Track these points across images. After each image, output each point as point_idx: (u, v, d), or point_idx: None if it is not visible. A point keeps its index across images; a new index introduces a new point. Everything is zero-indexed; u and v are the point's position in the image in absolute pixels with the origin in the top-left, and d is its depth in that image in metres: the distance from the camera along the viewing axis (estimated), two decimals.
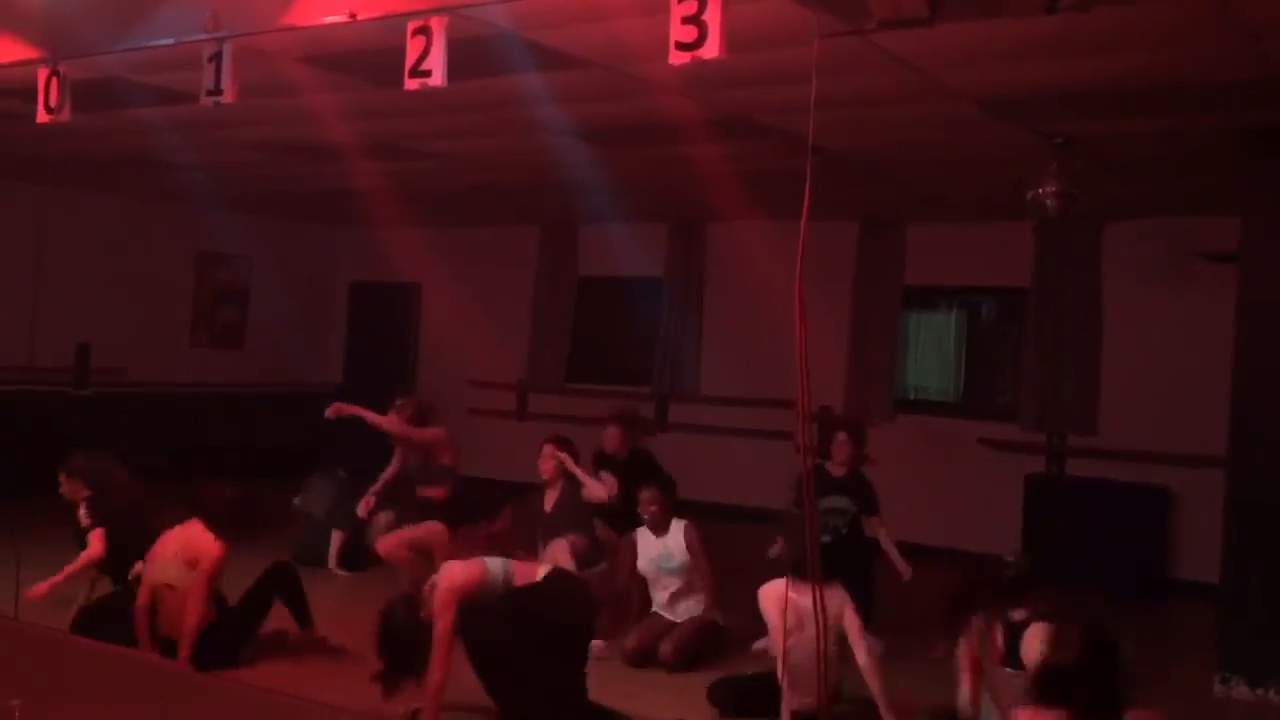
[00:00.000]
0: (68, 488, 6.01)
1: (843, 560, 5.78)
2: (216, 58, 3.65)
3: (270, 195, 9.90)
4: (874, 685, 4.59)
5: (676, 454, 9.78)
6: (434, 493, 6.68)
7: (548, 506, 6.30)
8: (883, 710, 4.55)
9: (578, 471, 6.29)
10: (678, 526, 5.94)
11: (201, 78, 3.66)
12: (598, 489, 6.27)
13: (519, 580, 4.66)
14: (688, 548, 5.89)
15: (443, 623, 4.44)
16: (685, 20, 2.88)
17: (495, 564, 4.68)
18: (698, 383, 10.34)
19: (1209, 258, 7.53)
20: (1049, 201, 6.10)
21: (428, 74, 3.32)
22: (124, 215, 10.29)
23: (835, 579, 4.87)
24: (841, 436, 6.46)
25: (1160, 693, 4.76)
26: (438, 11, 3.48)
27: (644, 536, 6.00)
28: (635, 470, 6.57)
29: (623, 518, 6.40)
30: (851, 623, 4.68)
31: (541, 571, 4.80)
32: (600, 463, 6.76)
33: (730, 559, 7.35)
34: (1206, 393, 8.00)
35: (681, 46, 2.93)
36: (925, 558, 6.62)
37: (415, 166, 7.81)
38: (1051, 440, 8.87)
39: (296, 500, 7.88)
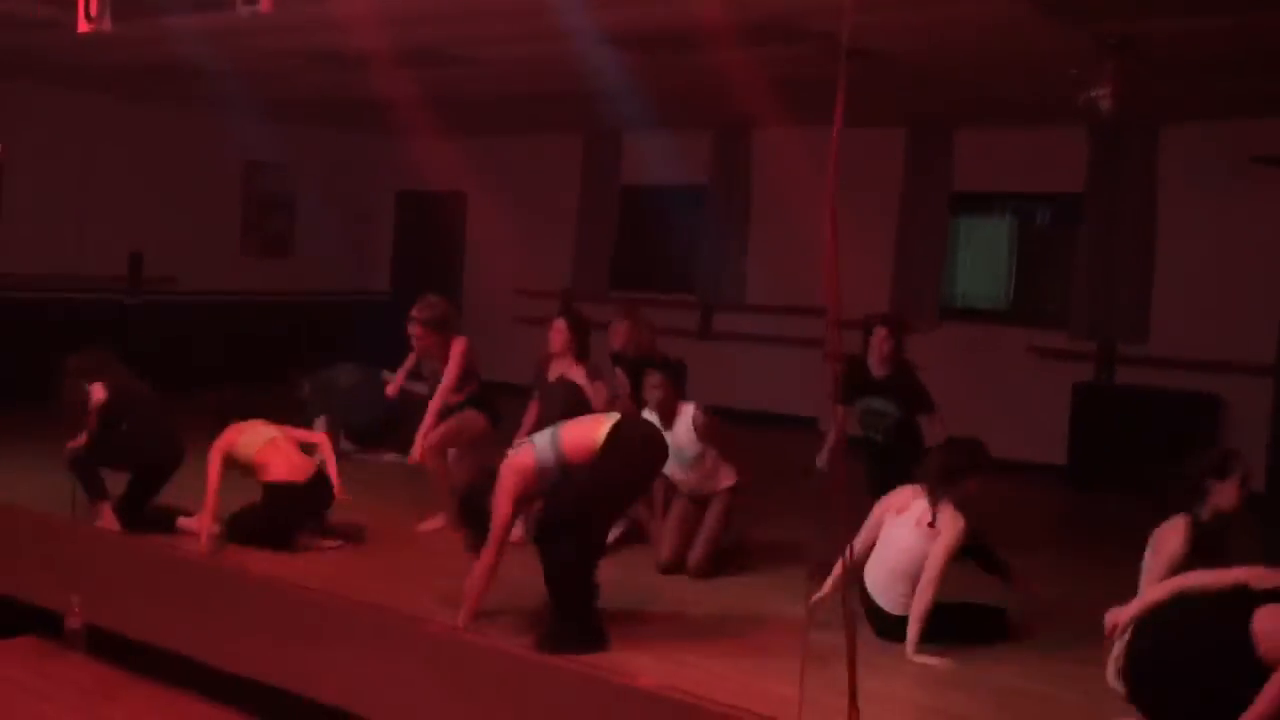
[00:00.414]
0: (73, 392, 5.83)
1: (892, 464, 5.65)
2: None
3: (314, 104, 9.89)
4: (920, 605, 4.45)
5: (720, 363, 9.85)
6: (456, 398, 6.58)
7: (552, 377, 6.10)
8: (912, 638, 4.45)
9: (580, 371, 6.03)
10: (685, 414, 5.48)
11: None
12: (596, 391, 5.97)
13: (574, 442, 4.48)
14: (697, 434, 5.46)
15: (501, 510, 4.40)
16: None
17: (541, 438, 4.56)
18: (743, 291, 10.29)
19: (1266, 161, 7.31)
20: (1103, 104, 5.94)
21: None
22: (171, 126, 10.35)
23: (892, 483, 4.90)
24: (882, 332, 5.98)
25: None
26: None
27: None
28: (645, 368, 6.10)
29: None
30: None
31: (603, 429, 4.51)
32: (614, 361, 6.65)
33: (773, 465, 7.38)
34: (1261, 301, 7.87)
35: None
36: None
37: (457, 74, 7.75)
38: (1102, 348, 8.75)
39: (305, 388, 8.05)
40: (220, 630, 4.76)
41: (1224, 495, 4.25)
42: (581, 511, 4.42)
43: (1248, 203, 8.00)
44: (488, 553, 4.41)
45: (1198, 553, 4.09)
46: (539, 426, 5.36)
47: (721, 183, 10.32)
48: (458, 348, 6.08)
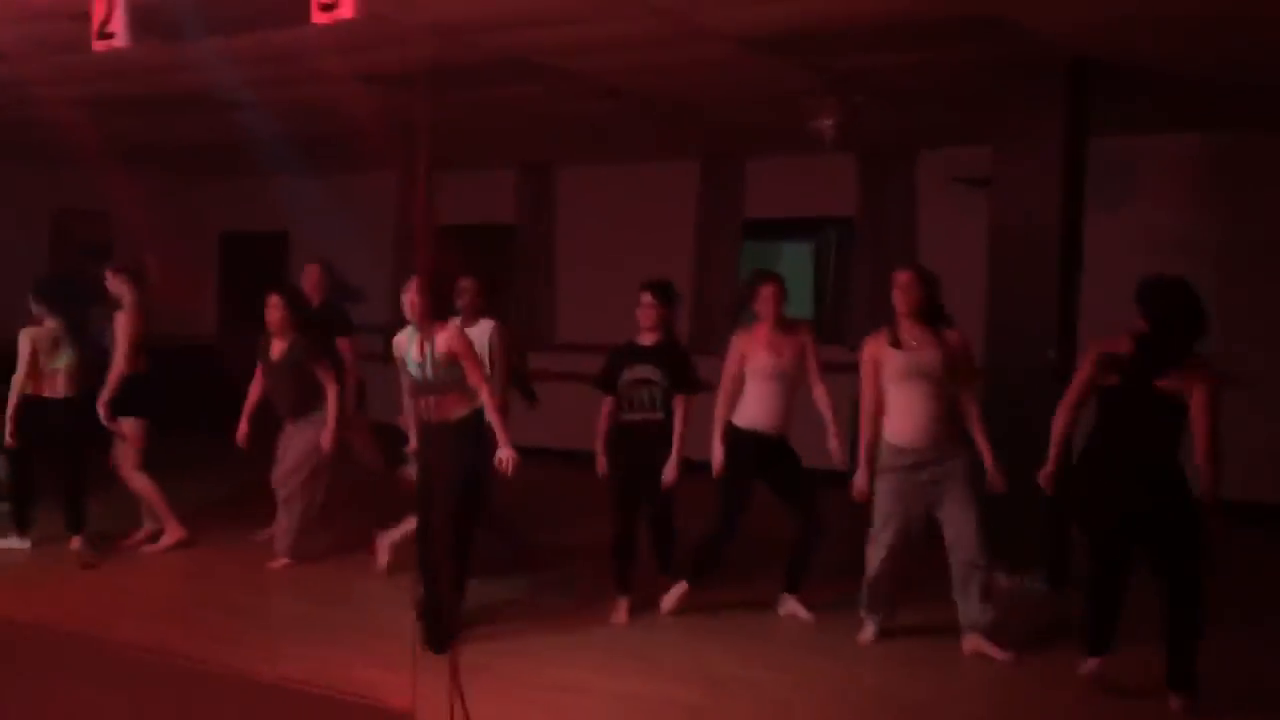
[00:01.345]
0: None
1: (659, 439, 5.44)
2: None
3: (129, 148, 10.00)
4: None
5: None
6: None
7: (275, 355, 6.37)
8: None
9: None
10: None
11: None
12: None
13: None
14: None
15: None
16: None
17: None
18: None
19: (966, 182, 8.04)
20: (826, 133, 6.57)
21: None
22: None
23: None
24: (646, 298, 5.48)
25: None
26: None
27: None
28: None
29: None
30: None
31: None
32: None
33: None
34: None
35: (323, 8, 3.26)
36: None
37: (248, 117, 8.03)
38: None
39: None
40: None
41: None
42: None
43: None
44: None
45: None
46: None
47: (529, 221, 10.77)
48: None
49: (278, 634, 5.23)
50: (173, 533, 6.61)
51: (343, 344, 6.63)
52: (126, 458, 6.51)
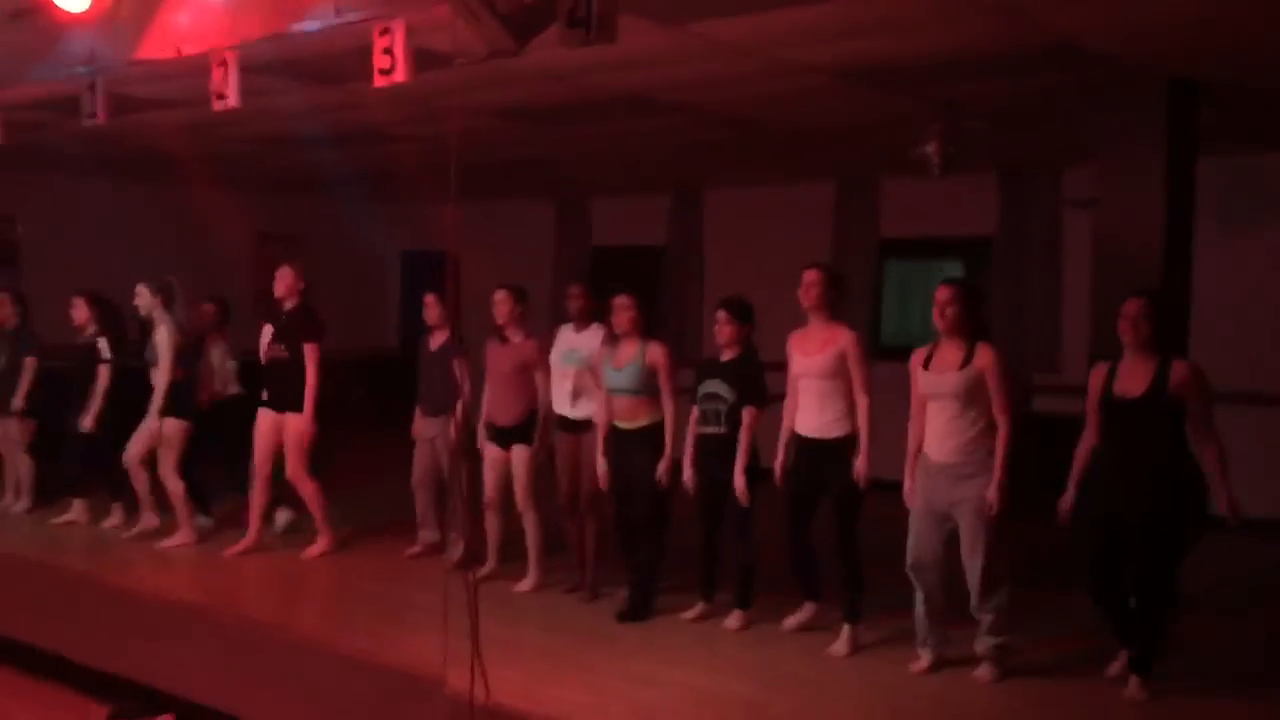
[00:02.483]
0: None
1: (723, 453, 5.56)
2: (92, 88, 4.61)
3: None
4: None
5: None
6: None
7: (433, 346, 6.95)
8: None
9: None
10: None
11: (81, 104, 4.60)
12: None
13: None
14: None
15: None
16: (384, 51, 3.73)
17: None
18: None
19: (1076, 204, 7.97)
20: (933, 159, 6.71)
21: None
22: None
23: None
24: (721, 315, 5.66)
25: None
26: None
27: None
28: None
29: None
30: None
31: None
32: None
33: None
34: None
35: (382, 73, 3.79)
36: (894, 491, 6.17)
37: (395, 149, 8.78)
38: (1018, 378, 9.36)
39: None
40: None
41: None
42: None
43: None
44: None
45: None
46: None
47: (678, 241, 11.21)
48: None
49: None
50: (185, 535, 7.17)
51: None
52: (166, 459, 7.12)
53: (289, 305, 6.88)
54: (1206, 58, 5.58)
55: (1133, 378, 4.68)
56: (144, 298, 7.28)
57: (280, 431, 6.79)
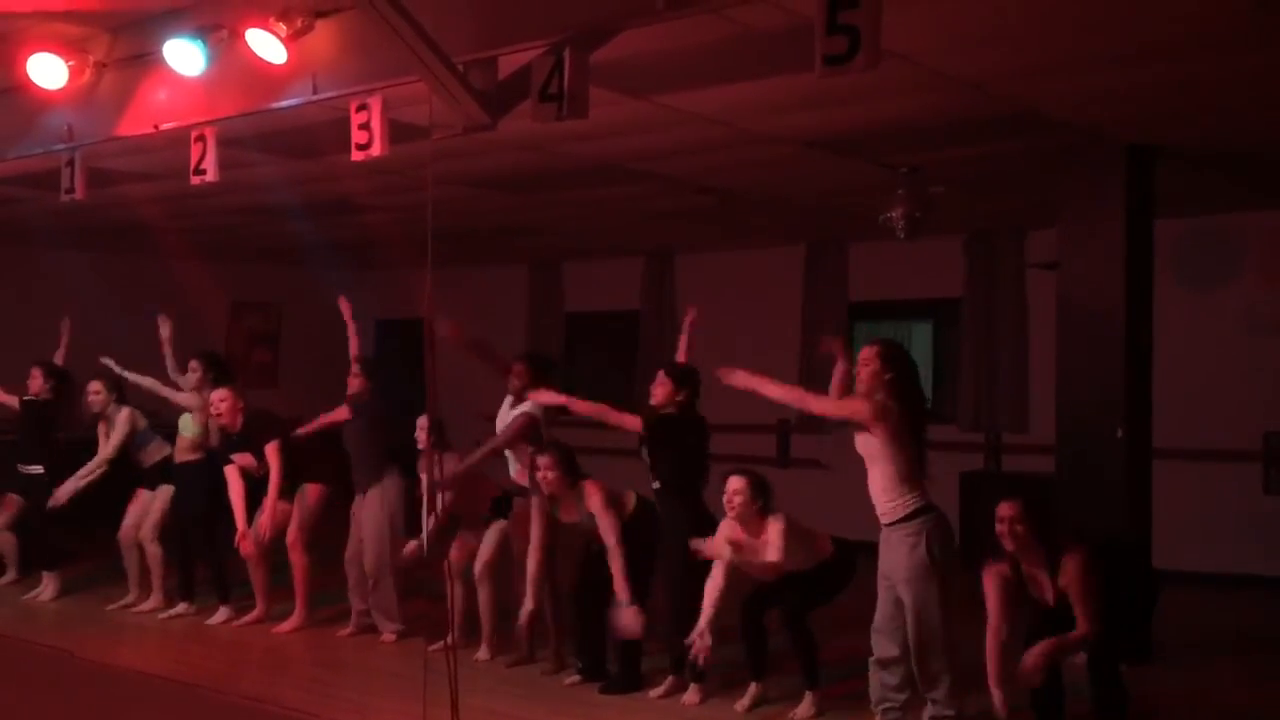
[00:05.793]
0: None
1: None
2: (71, 164, 4.71)
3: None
4: None
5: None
6: None
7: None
8: None
9: None
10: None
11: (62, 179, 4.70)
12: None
13: None
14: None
15: None
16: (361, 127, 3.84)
17: None
18: None
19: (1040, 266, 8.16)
20: (898, 223, 6.86)
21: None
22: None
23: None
24: (659, 375, 5.91)
25: None
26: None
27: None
28: None
29: None
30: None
31: None
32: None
33: None
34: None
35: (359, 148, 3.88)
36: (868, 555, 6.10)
37: (378, 217, 8.86)
38: (988, 438, 9.49)
39: None
40: None
41: None
42: None
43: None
44: None
45: None
46: None
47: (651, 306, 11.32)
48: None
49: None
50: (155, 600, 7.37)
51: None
52: (148, 525, 7.40)
53: (237, 427, 7.04)
54: (1162, 124, 5.77)
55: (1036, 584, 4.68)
56: (100, 395, 7.47)
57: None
